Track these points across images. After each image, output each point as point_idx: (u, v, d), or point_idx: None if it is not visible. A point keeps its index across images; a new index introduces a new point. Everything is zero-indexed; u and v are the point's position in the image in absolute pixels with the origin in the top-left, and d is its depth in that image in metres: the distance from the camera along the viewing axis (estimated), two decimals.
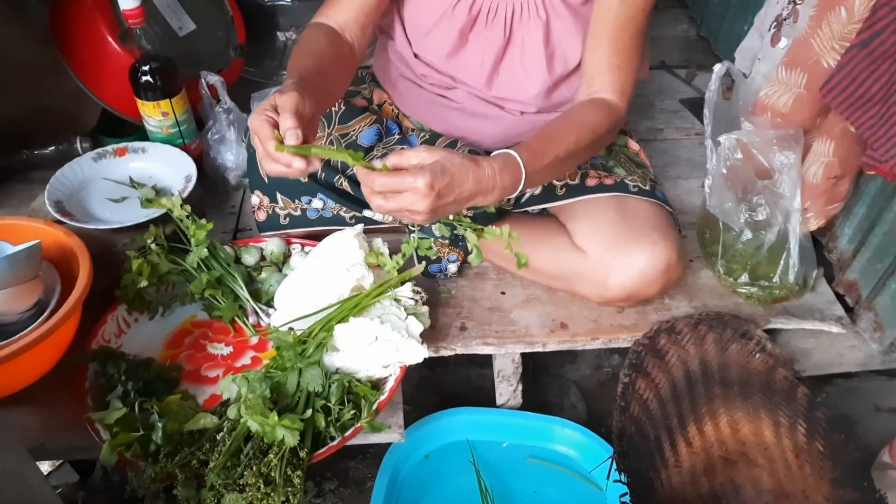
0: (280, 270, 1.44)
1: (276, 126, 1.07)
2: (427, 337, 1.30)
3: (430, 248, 1.36)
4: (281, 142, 1.05)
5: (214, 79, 1.61)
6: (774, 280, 1.41)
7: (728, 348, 1.35)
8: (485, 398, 1.52)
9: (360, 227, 1.38)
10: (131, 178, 1.55)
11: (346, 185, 1.42)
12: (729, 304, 1.44)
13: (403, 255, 1.30)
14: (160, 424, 1.13)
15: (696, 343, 1.36)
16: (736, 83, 1.45)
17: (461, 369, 1.63)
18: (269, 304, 1.39)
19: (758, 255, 1.40)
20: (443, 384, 1.62)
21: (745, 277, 1.43)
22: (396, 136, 1.49)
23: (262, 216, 1.50)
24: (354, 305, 1.26)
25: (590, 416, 1.57)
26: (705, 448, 1.31)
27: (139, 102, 1.55)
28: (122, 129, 1.74)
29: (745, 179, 1.36)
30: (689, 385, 1.34)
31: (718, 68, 1.40)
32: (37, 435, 1.22)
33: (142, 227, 1.43)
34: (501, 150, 1.14)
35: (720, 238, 1.44)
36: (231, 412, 1.12)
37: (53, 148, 1.67)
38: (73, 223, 1.41)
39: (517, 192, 1.15)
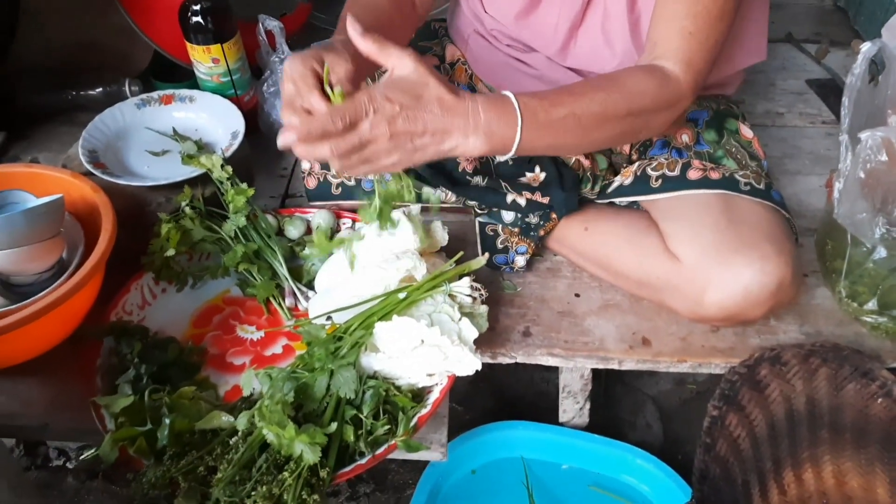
0: None
1: (319, 81, 0.94)
2: (484, 340, 1.14)
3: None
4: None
5: (273, 24, 1.44)
6: None
7: (844, 388, 1.14)
8: (547, 408, 1.35)
9: (416, 207, 1.20)
10: (175, 130, 1.40)
11: None
12: (849, 333, 1.22)
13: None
14: (167, 421, 0.99)
15: (804, 378, 1.15)
16: (886, 67, 1.20)
17: (524, 371, 1.46)
18: (310, 284, 1.23)
19: (892, 279, 1.17)
20: (501, 385, 1.46)
21: (872, 304, 1.20)
22: None
23: (312, 183, 1.34)
24: (401, 300, 1.08)
25: (666, 438, 1.40)
26: (802, 498, 1.14)
27: (188, 46, 1.40)
28: (176, 73, 1.59)
29: (888, 186, 1.12)
30: (791, 425, 1.15)
31: (867, 48, 1.15)
32: (41, 412, 1.11)
33: (181, 186, 1.28)
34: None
35: (846, 253, 1.21)
36: (241, 422, 0.97)
37: (101, 89, 1.55)
38: (104, 176, 1.28)
39: (513, 146, 0.95)
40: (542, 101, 0.96)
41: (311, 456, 0.93)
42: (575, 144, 1.07)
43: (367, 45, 0.92)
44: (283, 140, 0.90)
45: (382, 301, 1.09)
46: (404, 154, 0.91)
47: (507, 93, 0.95)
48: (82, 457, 1.38)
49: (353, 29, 0.93)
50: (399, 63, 0.90)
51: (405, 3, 1.18)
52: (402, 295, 1.09)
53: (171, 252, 1.19)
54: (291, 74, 0.94)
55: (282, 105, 0.96)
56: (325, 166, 1.32)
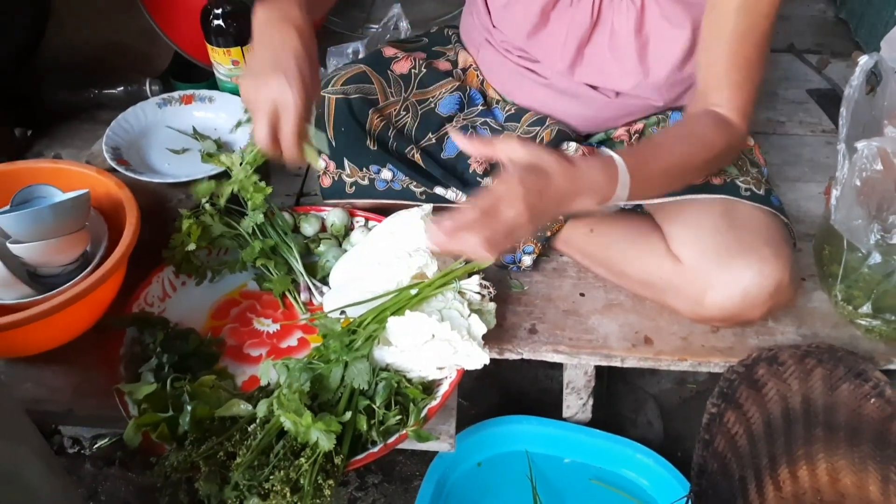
0: (340, 245, 1.32)
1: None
2: (492, 336, 1.17)
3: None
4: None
5: None
6: None
7: (838, 388, 1.17)
8: (551, 404, 1.38)
9: (428, 207, 1.25)
10: (195, 129, 1.45)
11: (418, 157, 1.28)
12: (844, 335, 1.25)
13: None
14: (189, 408, 1.03)
15: (800, 378, 1.18)
16: (883, 79, 1.24)
17: (529, 368, 1.49)
18: (325, 280, 1.28)
19: (886, 284, 1.20)
20: (506, 382, 1.49)
21: (867, 307, 1.23)
22: (479, 107, 1.35)
23: (326, 182, 1.38)
24: (413, 296, 1.13)
25: (666, 435, 1.43)
26: (797, 495, 1.16)
27: (209, 48, 1.45)
28: (195, 74, 1.64)
29: (883, 195, 1.15)
30: (787, 423, 1.18)
31: (865, 61, 1.19)
32: (66, 398, 1.15)
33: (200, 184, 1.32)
34: (598, 152, 1.01)
35: (842, 258, 1.24)
36: (260, 409, 1.01)
37: (122, 88, 1.59)
38: (127, 173, 1.33)
39: (615, 203, 0.99)
40: (639, 159, 1.01)
41: (326, 443, 0.97)
42: (663, 191, 1.13)
43: (476, 150, 0.98)
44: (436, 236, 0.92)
45: (395, 297, 1.13)
46: (538, 223, 0.96)
47: (614, 155, 0.99)
48: (97, 445, 1.42)
49: (458, 137, 0.98)
50: (511, 151, 0.94)
51: None
52: (414, 291, 1.13)
53: (191, 247, 1.23)
54: (287, 99, 0.98)
55: (252, 106, 1.01)
56: (339, 165, 1.36)
